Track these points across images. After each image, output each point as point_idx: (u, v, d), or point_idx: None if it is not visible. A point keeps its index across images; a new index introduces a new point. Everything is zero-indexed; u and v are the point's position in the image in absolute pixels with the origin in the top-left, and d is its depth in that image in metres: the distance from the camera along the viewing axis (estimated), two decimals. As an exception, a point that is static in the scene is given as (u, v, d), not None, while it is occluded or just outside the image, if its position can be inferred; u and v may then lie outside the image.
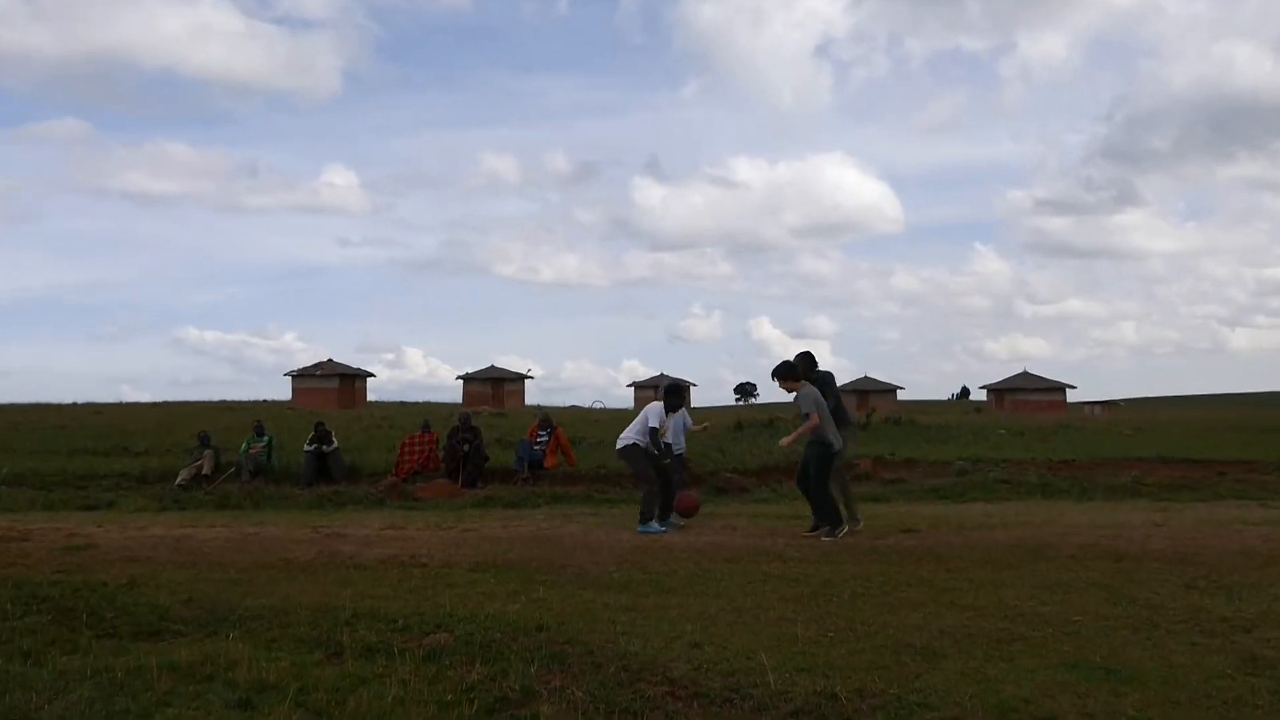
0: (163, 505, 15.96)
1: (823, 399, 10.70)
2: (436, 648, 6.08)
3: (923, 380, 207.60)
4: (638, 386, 75.47)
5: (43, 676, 5.48)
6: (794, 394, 10.84)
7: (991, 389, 70.35)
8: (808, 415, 10.59)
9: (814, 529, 10.85)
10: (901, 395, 74.74)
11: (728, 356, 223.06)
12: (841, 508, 11.02)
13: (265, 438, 19.46)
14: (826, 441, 10.66)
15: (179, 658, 5.81)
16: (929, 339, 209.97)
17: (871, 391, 70.48)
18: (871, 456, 19.68)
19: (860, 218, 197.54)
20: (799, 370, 10.96)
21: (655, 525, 11.66)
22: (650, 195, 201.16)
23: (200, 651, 5.97)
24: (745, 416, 33.34)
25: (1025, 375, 69.46)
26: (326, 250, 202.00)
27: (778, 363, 11.03)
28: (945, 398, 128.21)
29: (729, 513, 13.99)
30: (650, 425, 11.95)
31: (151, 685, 5.34)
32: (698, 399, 78.63)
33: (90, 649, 6.16)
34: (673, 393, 12.29)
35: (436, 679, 5.49)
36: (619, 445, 12.14)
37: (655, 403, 12.30)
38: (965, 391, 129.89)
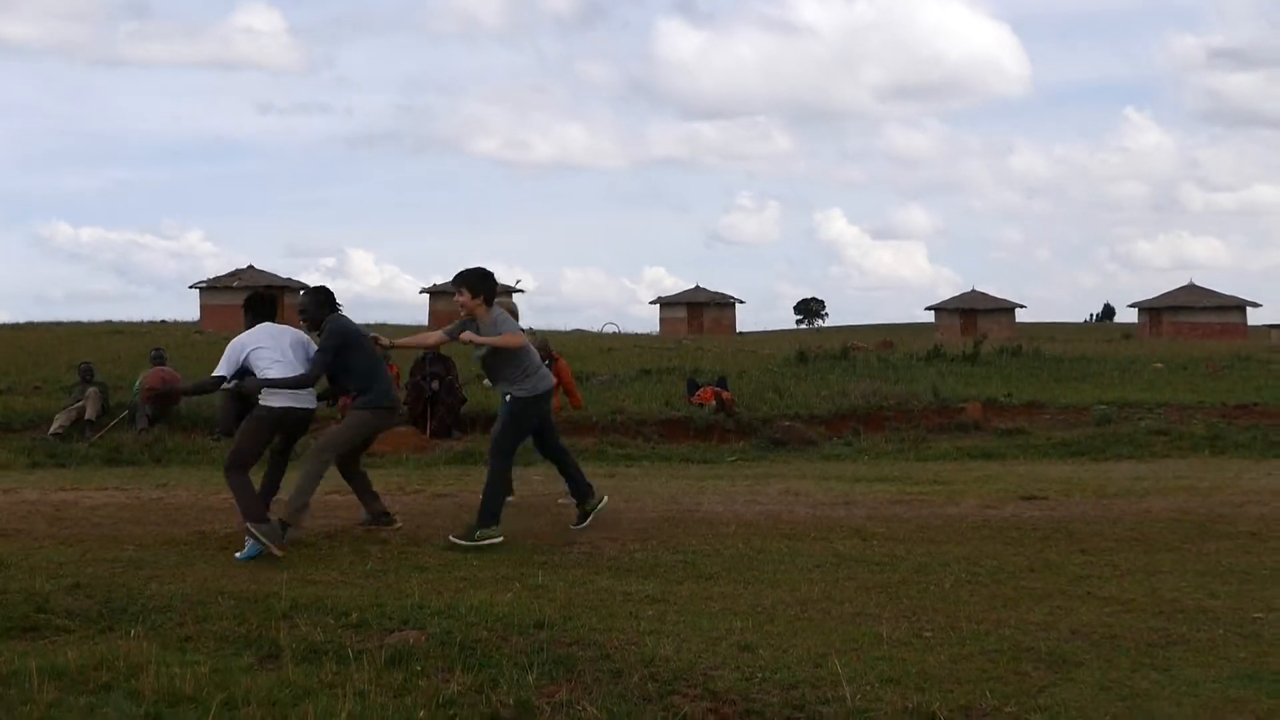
0: (34, 460, 16.20)
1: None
2: (403, 649, 6.20)
3: (1051, 296, 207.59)
4: (664, 304, 75.54)
5: (-111, 684, 5.62)
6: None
7: (1145, 307, 70.09)
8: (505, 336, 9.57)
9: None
10: (1022, 316, 74.68)
11: (786, 264, 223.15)
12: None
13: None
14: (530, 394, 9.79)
15: (65, 661, 5.94)
16: (1061, 240, 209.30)
17: (981, 311, 70.37)
18: (981, 399, 19.74)
19: (970, 74, 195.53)
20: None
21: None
22: (681, 43, 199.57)
23: (93, 653, 6.11)
24: (810, 344, 33.39)
25: (1191, 289, 69.13)
26: (242, 119, 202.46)
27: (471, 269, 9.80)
28: (1082, 319, 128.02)
29: (789, 473, 14.13)
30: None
31: (31, 696, 5.46)
32: (744, 319, 78.63)
33: (-52, 649, 6.31)
34: (266, 305, 9.89)
35: (404, 690, 5.62)
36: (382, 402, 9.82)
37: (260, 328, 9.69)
38: (1109, 311, 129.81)
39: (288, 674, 5.85)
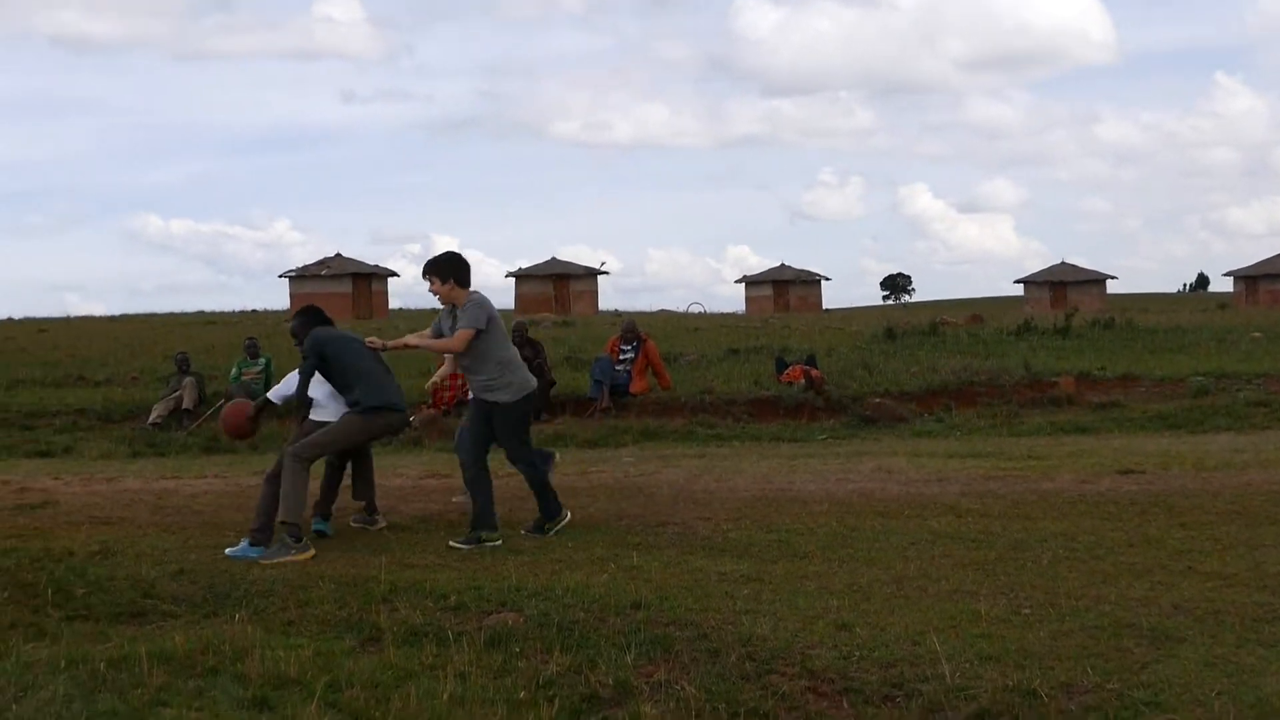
0: (134, 450, 16.48)
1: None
2: (502, 631, 6.29)
3: (1143, 266, 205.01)
4: (749, 282, 75.39)
5: (5, 669, 5.79)
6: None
7: (1240, 276, 68.89)
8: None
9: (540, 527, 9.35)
10: (1113, 287, 73.64)
11: (871, 240, 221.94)
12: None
13: (261, 360, 19.86)
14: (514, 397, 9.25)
15: (173, 645, 6.08)
16: (1152, 209, 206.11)
17: (1071, 284, 69.50)
18: (1074, 373, 19.51)
19: (1055, 43, 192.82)
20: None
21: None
22: (760, 20, 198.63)
23: (199, 637, 6.25)
24: (898, 320, 33.18)
25: (1289, 256, 67.80)
26: (326, 108, 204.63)
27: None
28: (1175, 289, 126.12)
29: (881, 450, 14.06)
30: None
31: (141, 680, 5.61)
32: (831, 296, 78.14)
33: (60, 634, 6.50)
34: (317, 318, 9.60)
35: (504, 671, 5.70)
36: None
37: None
38: (1203, 280, 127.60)
39: (389, 656, 5.96)
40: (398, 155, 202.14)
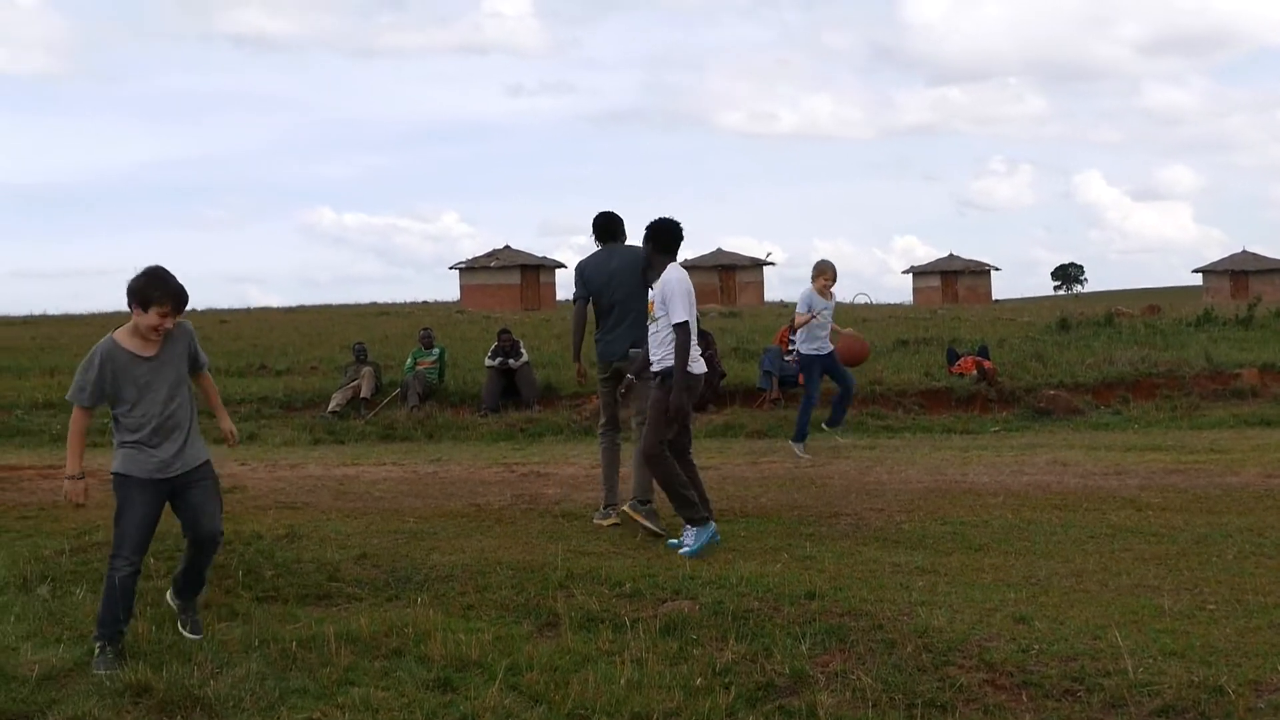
0: (315, 437, 16.98)
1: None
2: (676, 618, 6.35)
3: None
4: (917, 273, 74.53)
5: (202, 647, 6.05)
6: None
7: None
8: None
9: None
10: (1299, 276, 71.10)
11: (1043, 230, 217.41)
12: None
13: (435, 350, 20.26)
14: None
15: (359, 627, 6.28)
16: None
17: (1253, 273, 67.35)
18: (1258, 365, 18.92)
19: (1237, 25, 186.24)
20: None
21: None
22: (927, 7, 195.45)
23: (383, 620, 6.44)
24: (1071, 310, 32.51)
25: None
26: (493, 102, 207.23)
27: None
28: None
29: (1056, 443, 13.83)
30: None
31: (330, 659, 5.81)
32: (1000, 287, 76.74)
33: (252, 615, 6.76)
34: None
35: (679, 658, 5.76)
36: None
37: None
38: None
39: (567, 641, 6.06)
40: (564, 147, 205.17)
